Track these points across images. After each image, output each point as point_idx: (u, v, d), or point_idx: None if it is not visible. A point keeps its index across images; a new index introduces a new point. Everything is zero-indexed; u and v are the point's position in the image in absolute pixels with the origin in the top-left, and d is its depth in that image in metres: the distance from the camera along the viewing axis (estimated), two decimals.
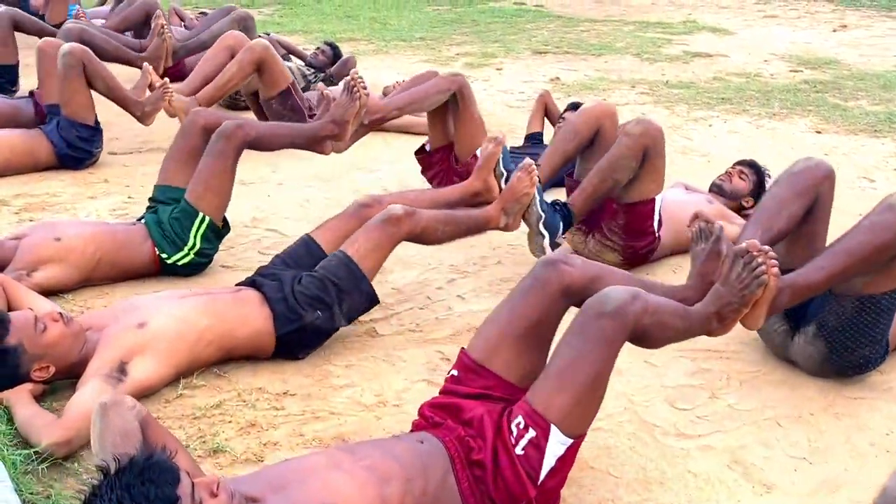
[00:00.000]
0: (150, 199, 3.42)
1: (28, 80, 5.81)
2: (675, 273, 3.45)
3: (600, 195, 3.23)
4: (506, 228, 3.11)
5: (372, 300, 2.79)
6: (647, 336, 2.00)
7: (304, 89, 5.83)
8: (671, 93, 6.48)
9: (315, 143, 3.58)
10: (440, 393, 2.14)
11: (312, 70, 6.40)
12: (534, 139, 4.67)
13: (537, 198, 3.11)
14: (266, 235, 3.75)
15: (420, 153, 4.20)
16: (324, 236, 2.93)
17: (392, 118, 3.96)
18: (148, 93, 4.69)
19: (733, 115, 5.90)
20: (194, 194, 3.25)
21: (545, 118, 4.78)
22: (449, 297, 3.22)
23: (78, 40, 4.83)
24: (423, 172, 4.23)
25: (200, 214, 3.25)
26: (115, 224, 3.37)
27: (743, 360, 2.80)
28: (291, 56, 6.66)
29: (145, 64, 4.85)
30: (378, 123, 3.88)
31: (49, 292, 2.99)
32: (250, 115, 5.57)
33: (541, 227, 3.13)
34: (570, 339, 1.93)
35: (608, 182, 3.20)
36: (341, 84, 3.81)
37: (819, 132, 5.47)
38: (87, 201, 4.07)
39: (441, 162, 4.10)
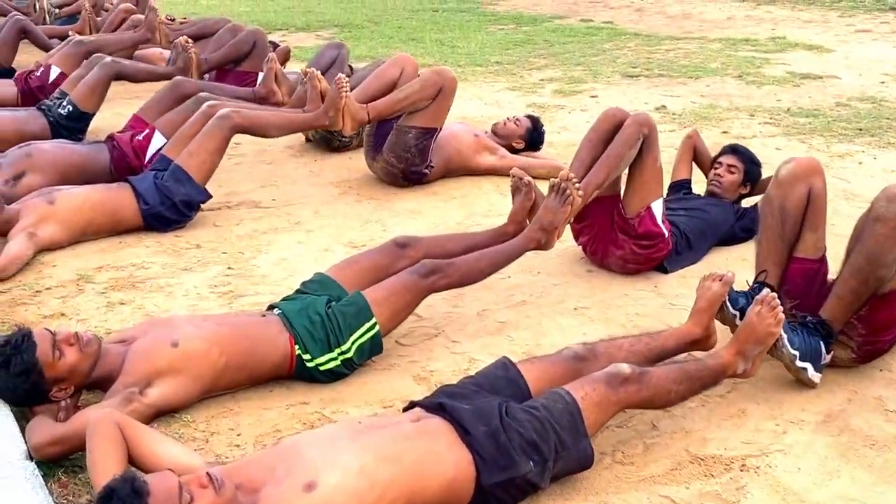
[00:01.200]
0: (304, 284, 2.89)
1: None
2: None
3: (863, 300, 2.60)
4: (744, 375, 2.52)
5: (585, 464, 2.22)
6: None
7: None
8: (797, 122, 5.82)
9: (519, 256, 3.12)
10: None
11: None
12: (682, 188, 4.02)
13: (785, 337, 2.52)
14: None
15: None
16: (529, 370, 2.37)
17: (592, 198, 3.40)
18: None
19: (878, 148, 5.23)
20: (376, 297, 2.74)
21: (693, 162, 4.14)
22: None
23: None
24: (574, 224, 3.60)
25: (373, 320, 2.70)
26: (240, 316, 2.77)
27: None
28: None
29: (311, 70, 4.46)
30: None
31: (165, 412, 2.43)
32: (347, 158, 5.05)
33: (798, 364, 2.56)
34: None
35: (871, 283, 2.55)
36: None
37: None
38: (181, 275, 3.50)
39: (600, 215, 3.47)
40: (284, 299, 2.83)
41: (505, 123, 4.93)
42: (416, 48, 8.91)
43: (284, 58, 6.61)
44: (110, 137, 4.55)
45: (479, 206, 4.38)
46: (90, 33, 7.19)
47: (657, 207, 3.40)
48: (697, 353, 2.67)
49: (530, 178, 3.32)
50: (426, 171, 4.57)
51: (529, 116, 5.03)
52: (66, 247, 3.70)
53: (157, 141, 4.48)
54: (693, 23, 10.53)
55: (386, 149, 4.49)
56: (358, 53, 8.58)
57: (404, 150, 4.43)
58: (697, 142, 4.11)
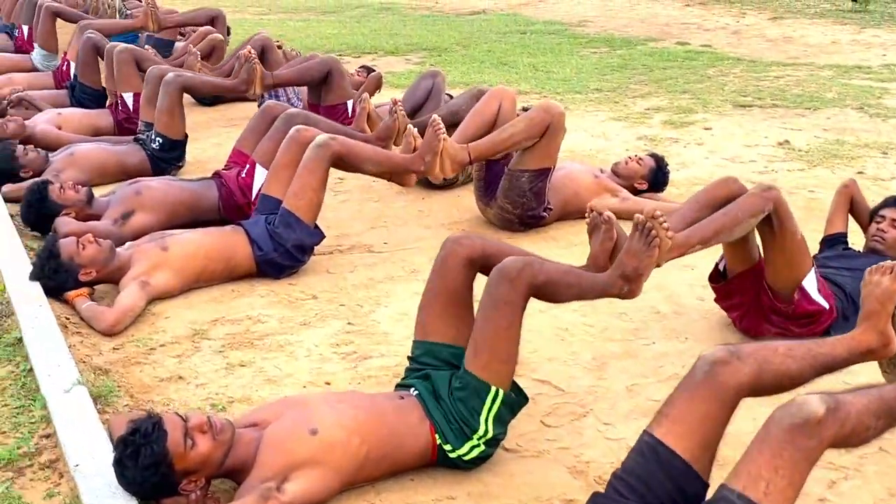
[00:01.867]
0: (413, 360, 2.60)
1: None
2: None
3: None
4: None
5: None
6: None
7: None
8: None
9: (599, 297, 2.72)
10: None
11: None
12: (839, 242, 3.64)
13: None
14: (528, 386, 2.80)
15: (715, 280, 3.23)
16: (674, 434, 1.94)
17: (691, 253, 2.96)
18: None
19: None
20: (479, 363, 2.40)
21: (849, 215, 3.75)
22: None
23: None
24: (719, 301, 3.28)
25: (492, 389, 2.39)
26: (376, 398, 2.51)
27: None
28: None
29: (410, 128, 4.10)
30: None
31: None
32: (455, 196, 4.78)
33: None
34: None
35: None
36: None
37: None
38: (300, 330, 3.27)
39: (746, 291, 3.12)
40: (412, 374, 2.57)
41: (627, 162, 4.62)
42: (509, 73, 8.64)
43: (376, 86, 6.37)
44: (217, 174, 4.39)
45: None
46: (153, 28, 7.16)
47: (810, 283, 3.04)
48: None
49: (610, 214, 2.82)
50: (544, 213, 4.29)
51: (653, 155, 4.71)
52: (177, 295, 3.52)
53: (260, 175, 4.30)
54: (797, 47, 10.03)
55: (500, 195, 4.23)
56: (450, 80, 8.32)
57: (519, 195, 4.17)
58: (855, 192, 3.73)
